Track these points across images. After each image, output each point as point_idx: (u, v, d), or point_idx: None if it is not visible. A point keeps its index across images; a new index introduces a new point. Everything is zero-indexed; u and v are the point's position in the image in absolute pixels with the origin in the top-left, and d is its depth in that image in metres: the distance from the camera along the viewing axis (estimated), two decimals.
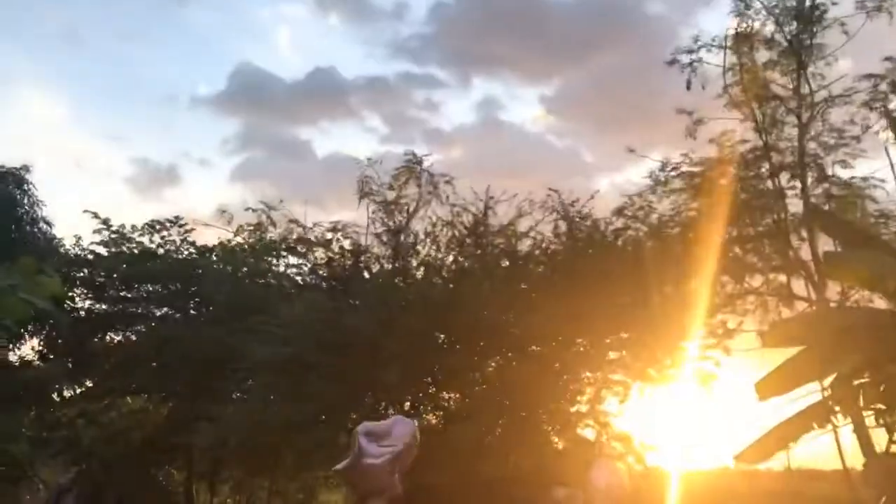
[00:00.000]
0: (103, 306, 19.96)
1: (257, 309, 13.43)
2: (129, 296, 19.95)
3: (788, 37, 15.92)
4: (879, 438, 6.63)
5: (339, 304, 11.74)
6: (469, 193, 13.22)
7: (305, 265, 15.59)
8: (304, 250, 15.27)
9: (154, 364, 18.05)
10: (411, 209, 14.00)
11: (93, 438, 23.63)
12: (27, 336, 18.39)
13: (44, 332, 18.77)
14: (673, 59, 16.40)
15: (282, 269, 18.02)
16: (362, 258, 13.35)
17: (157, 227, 20.20)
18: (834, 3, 15.67)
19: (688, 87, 15.89)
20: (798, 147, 15.61)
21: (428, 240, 13.41)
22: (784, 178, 15.82)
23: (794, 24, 15.90)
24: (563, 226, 12.49)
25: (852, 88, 15.56)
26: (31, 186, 17.71)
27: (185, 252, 20.19)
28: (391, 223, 13.86)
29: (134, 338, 20.09)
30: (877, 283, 5.56)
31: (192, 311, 19.34)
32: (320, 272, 14.22)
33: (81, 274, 19.58)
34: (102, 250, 19.98)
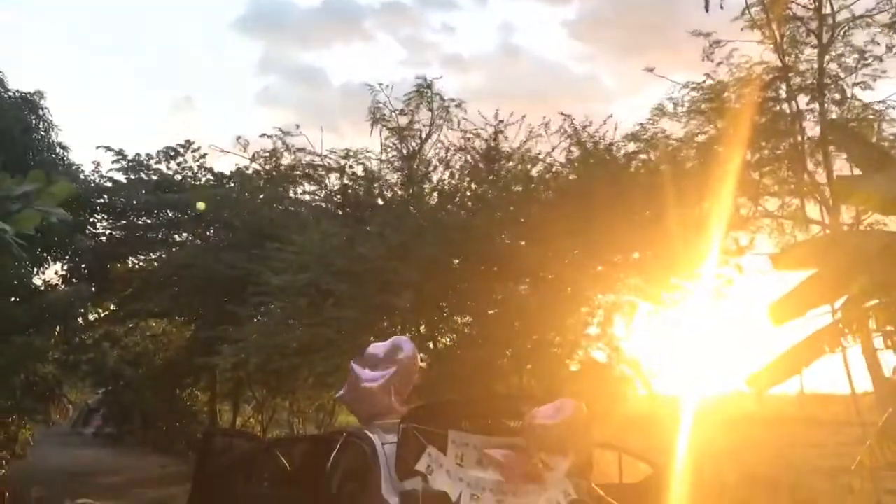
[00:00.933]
0: (123, 232, 20.27)
1: (274, 236, 13.62)
2: (149, 222, 20.26)
3: None
4: (888, 361, 6.75)
5: (353, 231, 11.87)
6: (481, 119, 13.19)
7: (320, 192, 15.71)
8: (319, 175, 15.36)
9: (175, 289, 18.41)
10: (423, 135, 14.00)
11: (117, 361, 24.34)
12: (50, 260, 18.72)
13: (66, 256, 19.10)
14: None
15: (298, 195, 18.17)
16: (376, 185, 13.41)
17: (172, 153, 20.33)
18: None
19: (706, 9, 15.52)
20: (818, 68, 15.34)
21: (441, 166, 13.46)
22: (802, 100, 15.61)
23: None
24: (576, 151, 12.47)
25: (875, 9, 15.22)
26: (45, 111, 17.76)
27: (203, 179, 20.38)
28: (404, 149, 13.88)
29: (155, 263, 20.45)
30: (889, 206, 5.57)
31: (210, 237, 19.62)
32: (335, 199, 14.32)
33: (101, 200, 19.82)
34: (121, 177, 20.19)
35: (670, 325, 12.20)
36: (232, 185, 19.56)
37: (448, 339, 13.66)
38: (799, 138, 15.23)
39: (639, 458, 6.88)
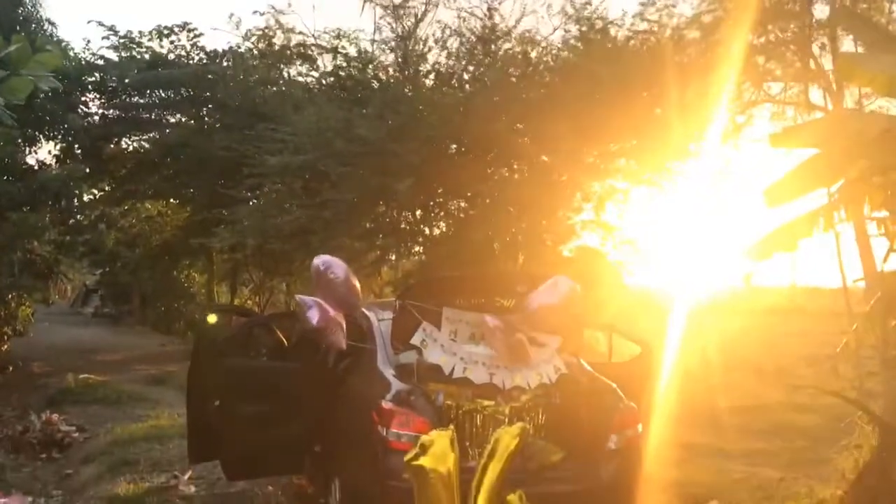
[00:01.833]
0: (116, 112, 20.03)
1: (268, 116, 13.46)
2: (142, 102, 20.00)
3: None
4: (879, 251, 6.77)
5: (350, 113, 11.69)
6: None
7: (314, 73, 15.42)
8: (312, 55, 15.03)
9: (169, 170, 18.35)
10: (418, 14, 13.59)
11: (114, 242, 24.51)
12: (43, 140, 18.56)
13: (59, 136, 18.92)
14: None
15: (291, 77, 17.87)
16: (370, 67, 13.14)
17: (166, 31, 19.86)
18: None
19: None
20: None
21: (437, 47, 13.15)
22: None
23: None
24: (574, 30, 12.12)
25: None
26: None
27: (196, 58, 19.99)
28: (399, 29, 13.52)
29: (147, 144, 20.30)
30: (892, 88, 5.46)
31: (204, 118, 19.40)
32: (329, 80, 14.06)
33: (93, 78, 19.48)
34: (113, 55, 19.78)
35: (666, 212, 12.21)
36: (226, 64, 19.21)
37: (444, 225, 13.72)
38: (806, 21, 14.78)
39: (628, 338, 7.04)
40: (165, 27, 19.91)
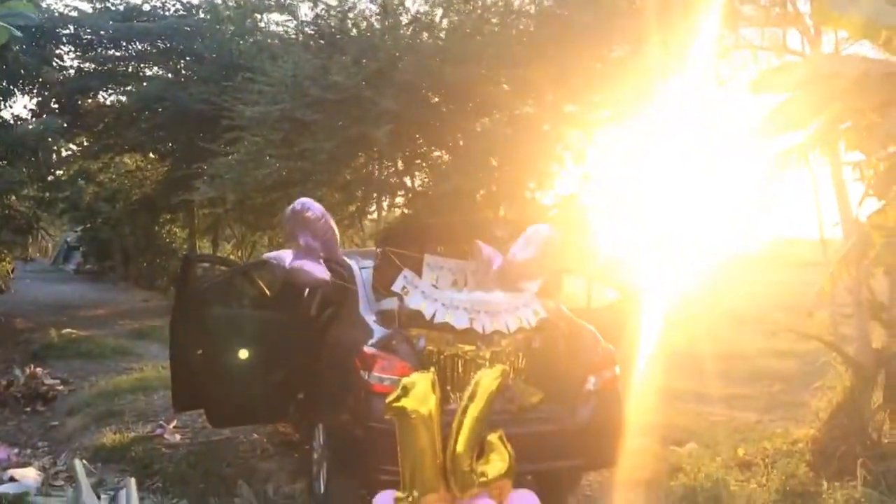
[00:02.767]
0: (92, 65, 19.68)
1: (245, 67, 13.28)
2: (118, 55, 19.64)
3: None
4: (856, 198, 6.82)
5: (326, 60, 11.54)
6: None
7: (291, 22, 15.15)
8: (290, 4, 14.78)
9: (147, 124, 18.11)
10: None
11: (94, 197, 24.30)
12: (17, 93, 18.27)
13: (34, 90, 18.62)
14: None
15: (269, 28, 17.58)
16: (350, 15, 12.92)
17: None
18: None
19: None
20: None
21: None
22: None
23: None
24: None
25: None
26: None
27: (172, 9, 19.64)
28: None
29: (124, 98, 20.01)
30: (870, 30, 5.45)
31: (181, 71, 19.13)
32: (307, 30, 13.84)
33: (67, 31, 19.09)
34: (87, 7, 19.39)
35: (650, 161, 12.19)
36: (202, 15, 18.88)
37: (425, 177, 13.68)
38: None
39: (607, 283, 7.11)
40: None
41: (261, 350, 6.37)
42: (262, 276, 7.44)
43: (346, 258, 6.53)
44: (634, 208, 12.41)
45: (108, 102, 20.72)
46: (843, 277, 6.36)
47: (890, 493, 5.43)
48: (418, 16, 12.63)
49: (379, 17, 12.97)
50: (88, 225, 27.91)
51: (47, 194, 19.49)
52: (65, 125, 17.96)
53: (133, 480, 5.78)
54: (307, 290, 6.88)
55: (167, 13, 19.49)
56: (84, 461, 6.68)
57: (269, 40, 15.40)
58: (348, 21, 13.08)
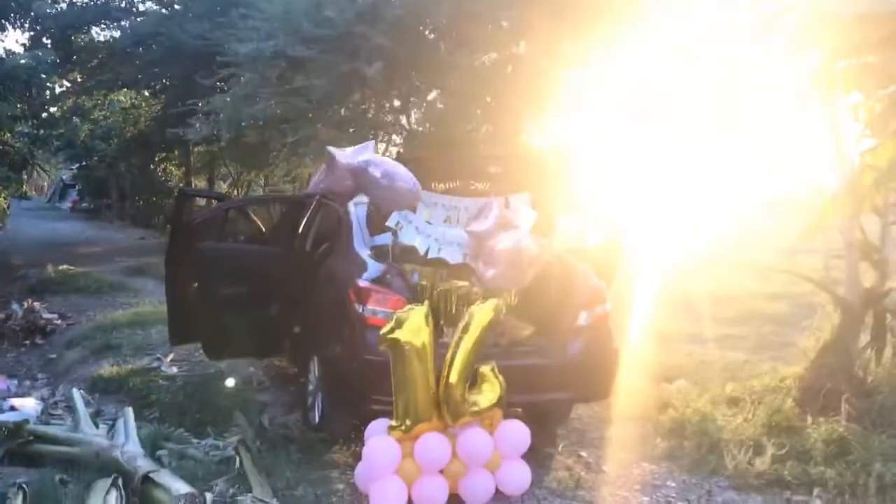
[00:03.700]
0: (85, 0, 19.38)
1: (240, 3, 13.06)
2: None
3: None
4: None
5: None
6: None
7: None
8: None
9: (141, 61, 17.90)
10: None
11: (89, 135, 24.13)
12: (9, 27, 18.00)
13: (27, 24, 18.34)
14: None
15: None
16: None
17: None
18: None
19: None
20: None
21: None
22: None
23: None
24: None
25: None
26: None
27: None
28: None
29: (118, 34, 19.73)
30: None
31: (175, 6, 18.83)
32: None
33: None
34: None
35: (645, 100, 12.09)
36: None
37: (421, 115, 13.57)
38: None
39: (599, 223, 7.14)
40: None
41: (255, 284, 6.42)
42: (257, 211, 7.45)
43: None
44: (631, 152, 12.37)
45: (101, 38, 20.47)
46: (833, 217, 6.40)
47: (873, 427, 5.55)
48: None
49: None
50: (84, 163, 27.77)
51: (42, 131, 19.32)
52: (57, 60, 17.74)
53: (130, 410, 5.88)
54: (302, 224, 6.92)
55: None
56: (82, 392, 6.79)
57: None
58: None
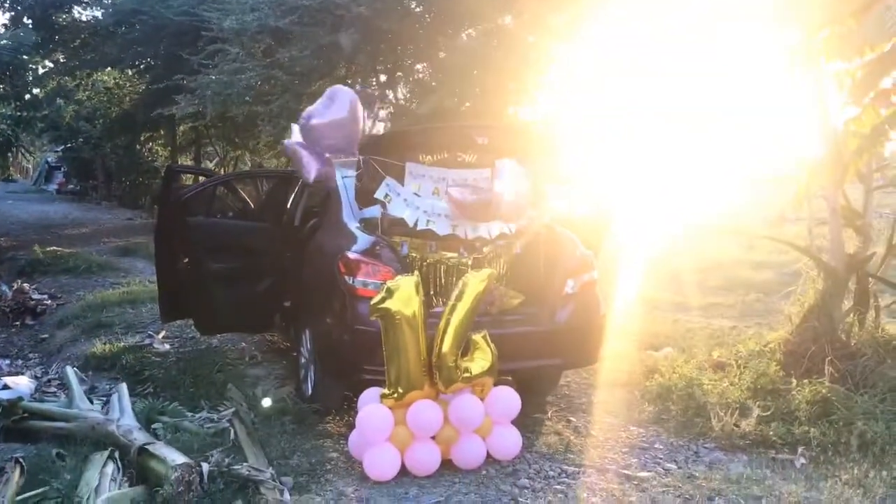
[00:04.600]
0: None
1: None
2: None
3: None
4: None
5: None
6: None
7: None
8: None
9: (125, 39, 17.71)
10: None
11: (73, 116, 23.93)
12: None
13: (6, 3, 18.13)
14: None
15: None
16: None
17: None
18: None
19: None
20: None
21: None
22: None
23: None
24: None
25: None
26: None
27: None
28: None
29: (100, 14, 19.53)
30: None
31: None
32: None
33: None
34: None
35: (632, 72, 12.11)
36: None
37: (407, 91, 13.55)
38: None
39: (587, 194, 7.19)
40: None
41: (245, 259, 6.46)
42: (245, 187, 7.47)
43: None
44: (617, 125, 12.40)
45: (83, 18, 20.24)
46: (818, 185, 6.48)
47: (856, 388, 5.67)
48: None
49: None
50: (69, 144, 27.55)
51: (25, 113, 19.18)
52: (39, 41, 17.57)
53: (125, 385, 5.95)
54: (290, 199, 6.95)
55: None
56: (75, 369, 6.83)
57: None
58: None
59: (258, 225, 6.82)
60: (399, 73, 12.79)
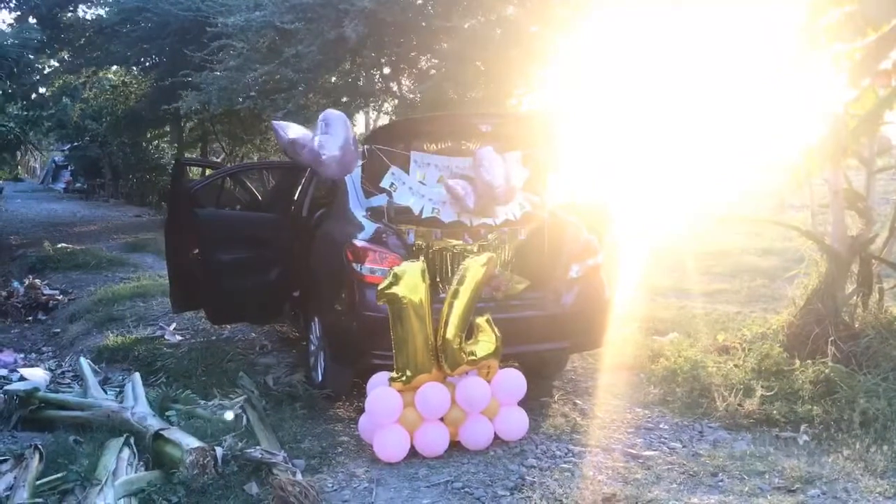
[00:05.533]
0: None
1: None
2: None
3: None
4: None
5: None
6: None
7: None
8: None
9: (129, 37, 17.82)
10: None
11: (80, 115, 24.04)
12: None
13: (12, 3, 18.24)
14: None
15: None
16: None
17: None
18: None
19: None
20: None
21: None
22: None
23: None
24: None
25: None
26: None
27: None
28: None
29: (104, 12, 19.62)
30: None
31: None
32: None
33: None
34: None
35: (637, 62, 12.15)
36: None
37: (412, 82, 13.63)
38: None
39: (591, 181, 7.28)
40: None
41: (255, 249, 6.55)
42: (254, 178, 7.57)
43: None
44: (621, 113, 12.44)
45: (88, 16, 20.35)
46: (817, 164, 6.50)
47: (859, 368, 5.73)
48: None
49: None
50: (76, 143, 27.70)
51: (32, 112, 19.26)
52: (44, 40, 17.66)
53: (138, 375, 6.06)
54: (298, 190, 7.03)
55: None
56: (89, 360, 6.94)
57: None
58: None
59: (267, 216, 6.92)
60: (403, 66, 12.86)
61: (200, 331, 8.12)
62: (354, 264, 5.41)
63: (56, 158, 35.53)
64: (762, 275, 10.66)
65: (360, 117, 14.70)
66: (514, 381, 5.02)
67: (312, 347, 6.17)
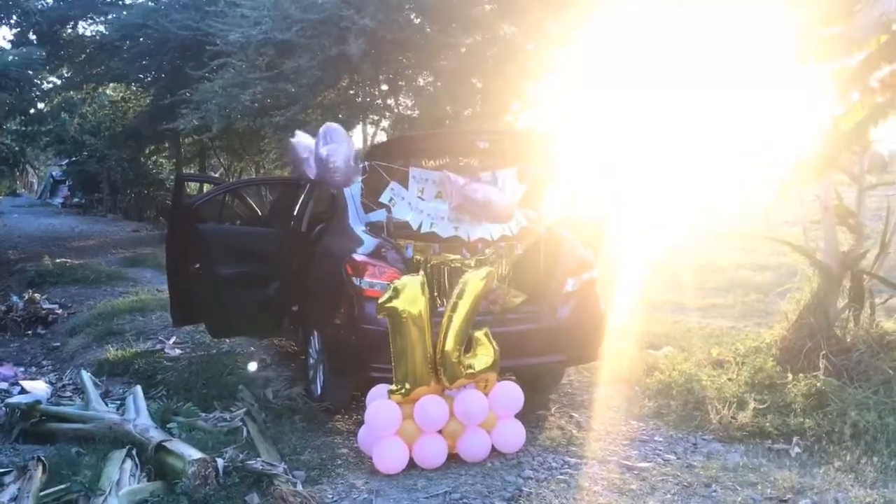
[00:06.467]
0: None
1: None
2: None
3: None
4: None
5: None
6: None
7: None
8: None
9: (129, 54, 17.97)
10: None
11: (78, 130, 24.19)
12: None
13: (13, 20, 18.38)
14: None
15: None
16: None
17: None
18: None
19: None
20: None
21: None
22: None
23: None
24: None
25: None
26: None
27: None
28: None
29: (105, 29, 19.78)
30: None
31: None
32: None
33: None
34: None
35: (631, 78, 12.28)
36: None
37: (409, 99, 13.77)
38: None
39: (586, 196, 7.38)
40: None
41: (255, 264, 6.63)
42: (254, 193, 7.66)
43: None
44: (618, 129, 12.55)
45: (88, 33, 20.51)
46: (804, 178, 6.60)
47: (850, 381, 5.81)
48: None
49: None
50: (74, 158, 27.82)
51: (30, 128, 19.40)
52: (45, 55, 17.79)
53: (139, 387, 6.12)
54: (297, 206, 7.12)
55: None
56: (90, 374, 7.00)
57: None
58: None
59: (267, 231, 7.00)
60: (401, 82, 13.00)
61: (200, 344, 8.18)
62: (354, 278, 5.49)
63: (54, 173, 35.63)
64: (756, 290, 10.74)
65: (357, 133, 14.73)
66: (511, 394, 5.10)
67: (311, 361, 6.24)
